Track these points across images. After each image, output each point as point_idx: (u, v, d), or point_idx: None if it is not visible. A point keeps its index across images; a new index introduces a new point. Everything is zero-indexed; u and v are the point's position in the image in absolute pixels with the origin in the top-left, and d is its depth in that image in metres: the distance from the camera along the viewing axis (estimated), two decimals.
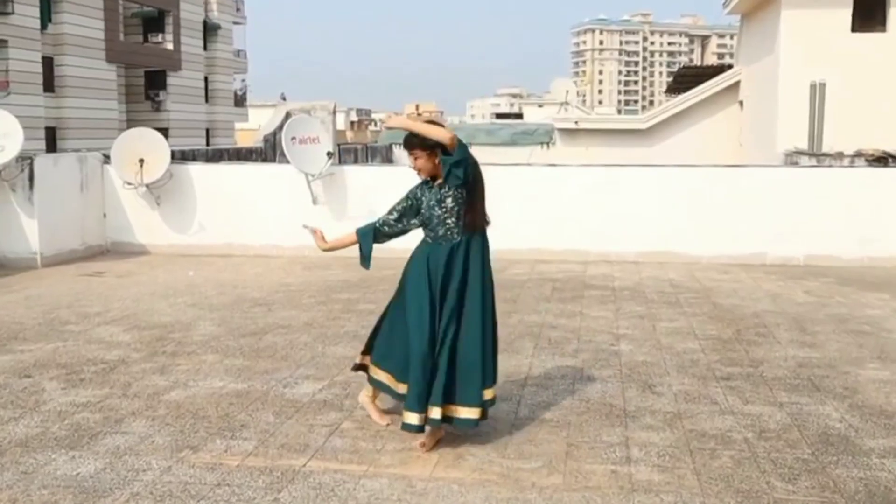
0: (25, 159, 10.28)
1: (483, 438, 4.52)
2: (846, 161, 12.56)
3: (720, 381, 5.60)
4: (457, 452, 4.34)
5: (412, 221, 4.60)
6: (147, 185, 11.14)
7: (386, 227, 4.65)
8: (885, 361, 6.11)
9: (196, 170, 11.69)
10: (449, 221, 4.44)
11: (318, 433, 4.60)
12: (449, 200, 4.42)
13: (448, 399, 4.36)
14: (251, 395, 5.26)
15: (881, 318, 7.53)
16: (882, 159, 12.07)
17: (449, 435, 4.55)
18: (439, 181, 4.47)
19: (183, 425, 4.71)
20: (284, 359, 6.13)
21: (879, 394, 5.34)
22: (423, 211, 4.52)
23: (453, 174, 4.37)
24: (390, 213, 4.63)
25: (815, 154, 14.32)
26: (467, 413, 4.39)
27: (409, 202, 4.57)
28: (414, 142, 4.40)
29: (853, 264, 10.34)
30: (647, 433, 4.62)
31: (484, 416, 4.46)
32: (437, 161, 4.42)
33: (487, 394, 4.45)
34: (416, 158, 4.45)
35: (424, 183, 4.56)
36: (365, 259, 4.72)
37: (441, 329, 4.38)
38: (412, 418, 4.33)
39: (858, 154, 12.65)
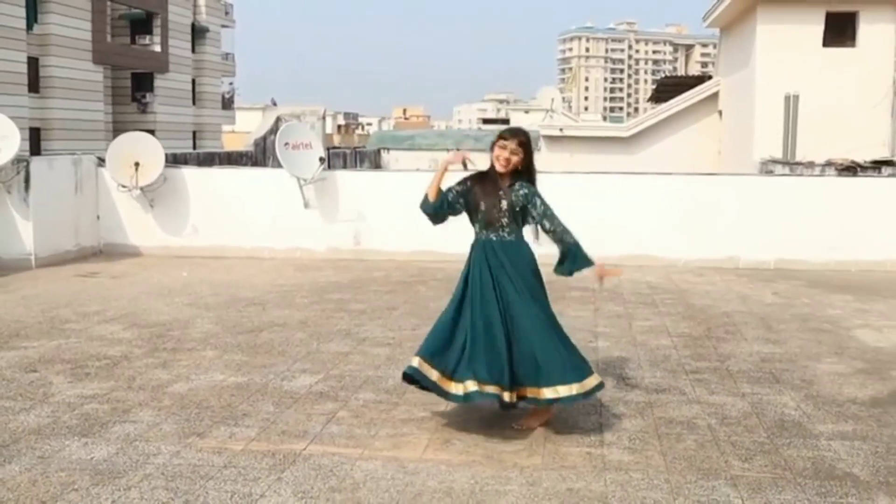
0: (21, 161, 10.56)
1: (469, 426, 4.87)
2: (817, 170, 13.02)
3: (689, 374, 5.99)
4: (445, 437, 4.70)
5: (459, 205, 4.93)
6: (141, 188, 11.45)
7: (450, 195, 4.93)
8: (841, 356, 6.53)
9: (190, 173, 12.01)
10: (503, 220, 4.82)
11: (316, 421, 4.95)
12: (505, 203, 4.80)
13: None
14: (251, 388, 5.60)
15: (841, 318, 7.96)
16: (851, 168, 12.54)
17: (436, 422, 4.92)
18: (508, 184, 4.82)
19: (188, 414, 5.04)
20: (281, 354, 6.47)
21: (833, 385, 5.76)
22: (479, 204, 4.85)
23: (525, 197, 4.79)
24: (450, 191, 4.94)
25: (789, 163, 14.80)
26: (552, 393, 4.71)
27: (462, 187, 4.91)
28: (524, 140, 4.82)
29: (821, 268, 10.78)
30: (619, 420, 5.00)
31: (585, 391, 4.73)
32: (526, 162, 4.83)
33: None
34: (513, 153, 4.76)
35: (481, 176, 4.90)
36: (428, 203, 4.99)
37: (495, 314, 4.73)
38: (453, 388, 4.70)
39: (829, 163, 13.12)
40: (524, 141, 4.84)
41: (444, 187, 4.95)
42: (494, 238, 4.84)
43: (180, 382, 5.71)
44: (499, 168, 4.83)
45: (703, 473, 4.22)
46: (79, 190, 11.43)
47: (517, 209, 4.81)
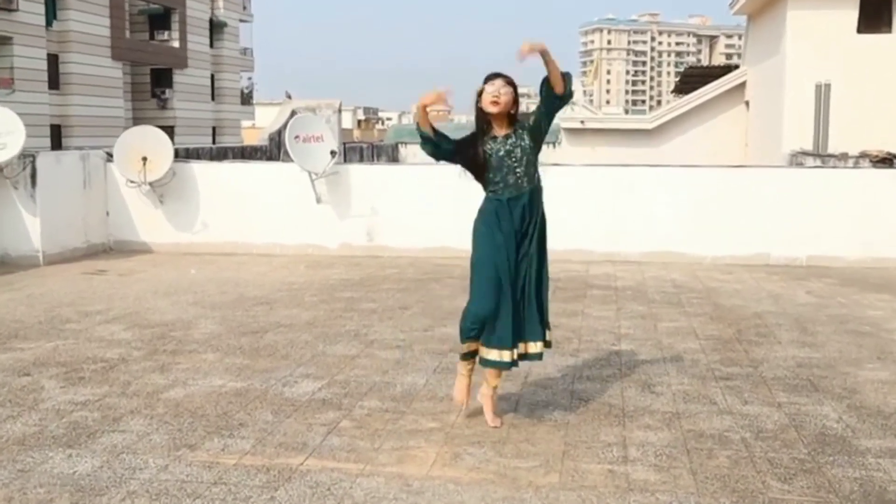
0: (28, 157, 10.29)
1: (481, 437, 4.52)
2: (851, 162, 12.53)
3: (719, 381, 5.59)
4: (454, 451, 4.34)
5: (451, 150, 4.64)
6: (150, 184, 11.17)
7: (445, 140, 4.64)
8: (884, 362, 6.10)
9: (199, 168, 11.72)
10: (518, 171, 4.56)
11: (316, 432, 4.60)
12: (518, 151, 4.56)
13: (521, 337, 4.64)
14: (250, 394, 5.27)
15: (882, 319, 7.51)
16: (886, 160, 12.04)
17: (446, 434, 4.56)
18: (505, 132, 4.56)
19: (181, 424, 4.72)
20: (284, 357, 6.13)
21: (878, 394, 5.33)
22: (490, 162, 4.56)
23: (543, 116, 4.57)
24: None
25: (820, 155, 14.29)
26: (536, 348, 4.69)
27: (464, 142, 4.62)
28: (508, 80, 4.52)
29: (856, 265, 10.32)
30: (644, 433, 4.61)
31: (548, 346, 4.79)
32: (515, 108, 4.55)
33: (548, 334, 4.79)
34: (501, 94, 4.48)
35: (478, 136, 4.60)
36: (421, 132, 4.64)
37: (521, 274, 4.59)
38: (506, 356, 4.57)
39: (863, 155, 12.62)
40: (510, 80, 4.54)
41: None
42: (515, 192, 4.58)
43: (177, 388, 5.39)
44: (491, 109, 4.51)
45: (739, 496, 3.82)
46: (87, 185, 11.17)
47: (528, 149, 4.57)
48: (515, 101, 4.56)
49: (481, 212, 4.68)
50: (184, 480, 3.95)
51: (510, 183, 4.57)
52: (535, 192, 4.63)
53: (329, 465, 4.15)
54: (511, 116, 4.59)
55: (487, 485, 3.94)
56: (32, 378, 5.59)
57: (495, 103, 4.51)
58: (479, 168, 4.62)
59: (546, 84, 4.55)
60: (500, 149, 4.56)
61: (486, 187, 4.66)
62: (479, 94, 4.56)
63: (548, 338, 4.76)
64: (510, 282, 4.57)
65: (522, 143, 4.58)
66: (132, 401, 5.12)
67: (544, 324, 4.72)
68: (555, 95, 4.54)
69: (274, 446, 4.39)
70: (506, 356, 4.58)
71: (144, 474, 4.01)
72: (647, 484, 3.95)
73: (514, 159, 4.56)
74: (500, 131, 4.60)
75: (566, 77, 4.53)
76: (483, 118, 4.58)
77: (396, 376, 5.66)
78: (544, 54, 4.42)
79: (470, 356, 4.73)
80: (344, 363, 5.97)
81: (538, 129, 4.63)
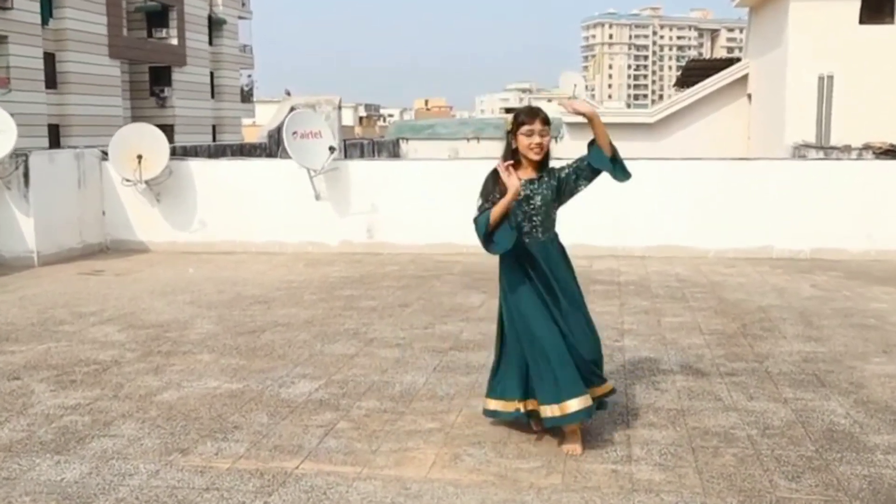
0: (20, 156, 10.16)
1: (481, 437, 4.41)
2: (854, 154, 12.39)
3: (724, 376, 5.47)
4: (454, 452, 4.23)
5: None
6: (146, 182, 11.05)
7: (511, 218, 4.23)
8: (890, 355, 5.98)
9: (196, 166, 11.59)
10: (535, 219, 4.27)
11: (313, 434, 4.49)
12: (538, 199, 4.25)
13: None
14: (245, 396, 5.15)
15: (887, 312, 7.39)
16: (890, 152, 11.89)
17: (445, 434, 4.45)
18: (531, 176, 4.25)
19: (174, 427, 4.61)
20: (282, 357, 6.02)
21: (885, 389, 5.21)
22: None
23: (581, 177, 4.28)
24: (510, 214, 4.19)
25: (823, 147, 14.15)
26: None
27: (497, 198, 4.19)
28: (546, 117, 4.22)
29: (860, 258, 10.19)
30: (649, 431, 4.50)
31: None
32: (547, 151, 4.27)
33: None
34: (542, 136, 4.19)
35: (496, 175, 4.21)
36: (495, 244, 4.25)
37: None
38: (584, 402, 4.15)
39: (866, 147, 12.47)
40: (546, 118, 4.23)
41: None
42: (528, 240, 4.28)
43: (170, 390, 5.27)
44: (533, 157, 4.21)
45: (746, 496, 3.71)
46: (82, 185, 11.04)
47: (549, 198, 4.26)
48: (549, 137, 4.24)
49: (502, 262, 4.38)
50: (175, 486, 3.83)
51: (523, 231, 4.26)
52: (553, 243, 4.35)
53: (325, 469, 4.04)
54: (541, 162, 4.28)
55: (487, 487, 3.83)
56: (22, 382, 5.47)
57: (539, 151, 4.21)
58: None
59: (594, 146, 4.29)
60: (521, 191, 4.18)
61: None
62: (514, 127, 4.22)
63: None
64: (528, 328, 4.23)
65: (545, 193, 4.26)
66: (124, 404, 5.01)
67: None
68: (604, 157, 4.24)
69: (269, 449, 4.28)
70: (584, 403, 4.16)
71: (134, 480, 3.90)
72: (652, 484, 3.83)
73: (531, 206, 4.25)
74: (525, 173, 4.27)
75: (615, 150, 4.26)
76: (511, 155, 4.24)
77: (396, 375, 5.55)
78: (592, 118, 4.19)
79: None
80: (342, 362, 5.86)
81: (568, 184, 4.29)
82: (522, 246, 4.26)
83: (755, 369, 5.64)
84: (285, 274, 9.59)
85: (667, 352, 6.11)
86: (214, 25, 50.48)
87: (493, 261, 4.53)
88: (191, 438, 4.43)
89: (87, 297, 8.29)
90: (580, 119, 4.43)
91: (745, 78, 22.02)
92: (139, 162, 10.85)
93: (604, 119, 4.41)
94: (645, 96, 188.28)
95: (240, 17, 54.39)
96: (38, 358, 6.04)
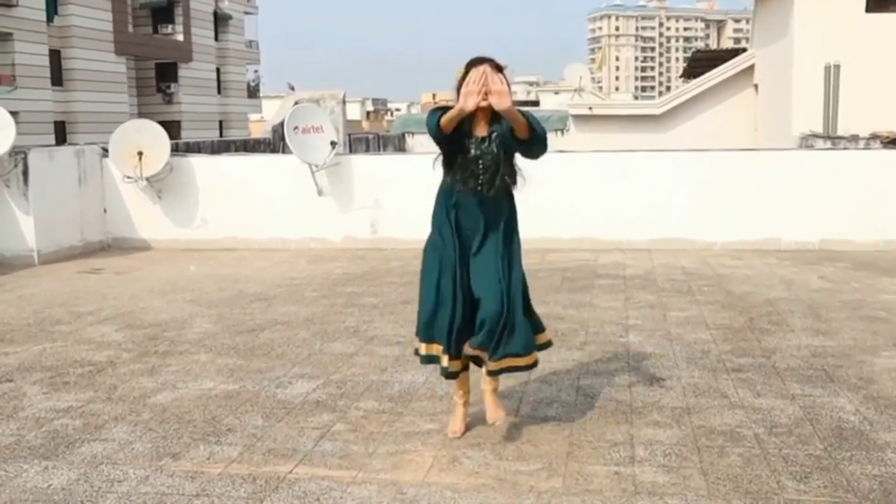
0: (19, 153, 10.07)
1: (481, 439, 4.30)
2: (861, 144, 12.22)
3: (731, 372, 5.35)
4: (452, 455, 4.12)
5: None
6: (147, 179, 10.96)
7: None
8: None
9: (197, 162, 11.49)
10: (482, 178, 4.15)
11: (308, 437, 4.39)
12: (488, 158, 4.12)
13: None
14: (241, 397, 5.05)
15: None
16: None
17: (443, 436, 4.35)
18: (482, 135, 4.11)
19: (166, 431, 4.51)
20: (280, 357, 5.92)
21: (895, 384, 5.08)
22: (457, 156, 4.15)
23: (509, 140, 4.08)
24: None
25: (831, 137, 13.97)
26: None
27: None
28: (498, 64, 4.00)
29: (869, 248, 10.03)
30: (653, 430, 4.38)
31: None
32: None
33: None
34: (494, 93, 3.91)
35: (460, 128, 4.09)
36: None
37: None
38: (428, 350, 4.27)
39: (874, 136, 12.30)
40: (498, 65, 4.00)
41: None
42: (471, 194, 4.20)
43: (165, 392, 5.18)
44: (482, 104, 3.95)
45: (752, 498, 3.59)
46: (83, 182, 10.96)
47: (499, 159, 4.11)
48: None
49: (434, 214, 4.40)
50: (164, 493, 3.74)
51: (469, 186, 4.17)
52: (498, 203, 4.24)
53: (319, 473, 3.93)
54: (495, 114, 4.04)
55: (486, 491, 3.72)
56: (15, 384, 5.38)
57: (484, 97, 3.94)
58: (447, 157, 4.21)
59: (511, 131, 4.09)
60: (471, 149, 4.11)
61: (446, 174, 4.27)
62: (464, 77, 4.04)
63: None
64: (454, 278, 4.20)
65: (494, 151, 4.11)
66: (117, 406, 4.91)
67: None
68: (518, 139, 4.07)
69: (262, 453, 4.18)
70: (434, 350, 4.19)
71: (123, 487, 3.80)
72: (656, 486, 3.72)
73: (480, 166, 4.13)
74: (477, 129, 4.13)
75: (532, 132, 4.05)
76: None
77: (395, 374, 5.44)
78: (507, 112, 3.96)
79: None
80: (341, 361, 5.75)
81: (510, 143, 4.12)
82: (459, 196, 4.23)
83: (762, 364, 5.52)
84: (287, 271, 9.49)
85: (672, 347, 5.99)
86: (220, 21, 50.39)
87: None
88: (183, 442, 4.33)
89: (86, 296, 8.21)
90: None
91: (751, 68, 21.81)
92: (140, 158, 10.75)
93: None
94: (652, 88, 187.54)
95: (246, 13, 54.32)
96: (32, 359, 5.95)
